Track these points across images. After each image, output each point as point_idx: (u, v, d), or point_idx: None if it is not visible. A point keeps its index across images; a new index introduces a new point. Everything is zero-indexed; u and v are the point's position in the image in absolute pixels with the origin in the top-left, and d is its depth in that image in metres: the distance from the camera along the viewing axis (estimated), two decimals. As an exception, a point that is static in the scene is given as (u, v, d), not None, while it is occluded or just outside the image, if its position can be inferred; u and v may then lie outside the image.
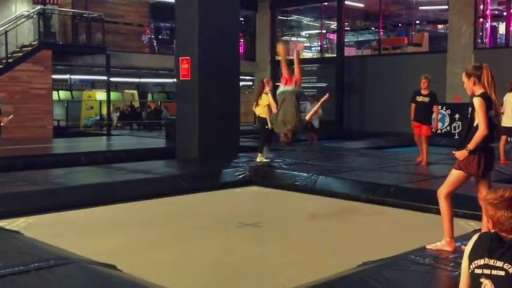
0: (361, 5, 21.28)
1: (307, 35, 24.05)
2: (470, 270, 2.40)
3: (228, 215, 6.80)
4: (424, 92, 9.61)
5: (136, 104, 23.37)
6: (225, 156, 10.11)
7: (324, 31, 21.67)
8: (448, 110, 15.96)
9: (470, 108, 4.48)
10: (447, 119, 16.00)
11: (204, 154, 10.50)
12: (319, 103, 7.15)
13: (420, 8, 20.46)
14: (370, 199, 7.32)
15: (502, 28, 17.61)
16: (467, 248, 2.46)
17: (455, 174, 4.43)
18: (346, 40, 20.24)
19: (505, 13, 17.13)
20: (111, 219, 6.49)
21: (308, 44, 23.82)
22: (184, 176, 8.45)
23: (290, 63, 7.09)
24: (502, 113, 9.43)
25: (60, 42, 16.97)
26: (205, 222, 6.38)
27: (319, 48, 22.28)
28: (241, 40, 20.45)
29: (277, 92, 7.07)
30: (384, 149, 13.98)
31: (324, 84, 19.93)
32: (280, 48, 7.03)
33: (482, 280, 2.33)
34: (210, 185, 8.32)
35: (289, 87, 6.91)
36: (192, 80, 10.72)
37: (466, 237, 4.56)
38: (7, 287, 3.44)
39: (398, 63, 18.02)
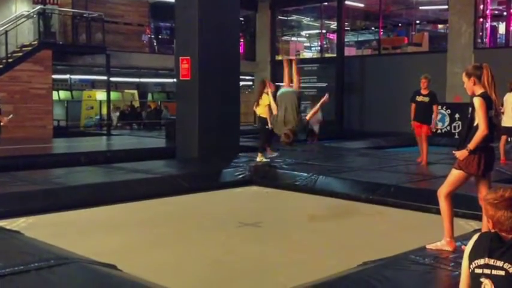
0: (361, 5, 21.28)
1: (307, 35, 24.04)
2: (470, 270, 2.40)
3: (228, 214, 6.80)
4: (424, 91, 9.62)
5: (137, 104, 23.37)
6: (225, 156, 10.11)
7: (324, 31, 21.66)
8: (448, 110, 15.96)
9: (470, 108, 4.48)
10: (447, 119, 16.00)
11: (204, 154, 10.50)
12: (319, 103, 7.17)
13: (420, 7, 20.45)
14: (370, 199, 7.32)
15: (502, 28, 17.61)
16: (468, 248, 2.46)
17: (455, 174, 4.43)
18: (346, 40, 20.24)
19: (505, 13, 17.13)
20: (111, 219, 6.49)
21: (308, 44, 23.82)
22: (184, 175, 8.45)
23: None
24: (502, 113, 9.43)
25: (60, 42, 16.97)
26: (205, 222, 6.38)
27: (319, 48, 22.28)
28: (241, 40, 20.46)
29: (278, 93, 7.09)
30: (384, 149, 13.99)
31: (324, 84, 19.93)
32: (285, 62, 7.55)
33: (482, 280, 2.34)
34: (210, 185, 8.32)
35: (290, 89, 6.94)
36: (192, 79, 10.72)
37: (466, 237, 4.56)
38: (7, 286, 3.45)
39: (399, 63, 18.02)
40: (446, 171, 5.18)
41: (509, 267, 2.28)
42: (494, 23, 17.69)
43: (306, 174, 8.31)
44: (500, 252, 2.33)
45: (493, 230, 2.43)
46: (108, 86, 18.27)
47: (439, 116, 15.11)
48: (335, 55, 19.81)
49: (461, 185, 4.47)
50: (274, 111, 7.74)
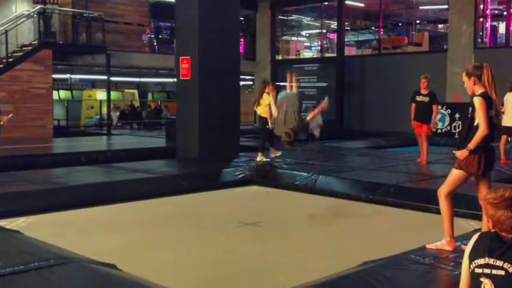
0: (362, 5, 21.28)
1: (307, 35, 24.04)
2: (470, 270, 2.40)
3: (228, 214, 6.80)
4: (423, 91, 9.64)
5: (137, 104, 23.37)
6: (225, 156, 10.11)
7: (324, 31, 21.66)
8: (448, 110, 15.96)
9: (470, 108, 4.48)
10: (447, 119, 16.00)
11: (204, 154, 10.50)
12: (319, 106, 7.21)
13: (420, 7, 20.44)
14: (370, 199, 7.31)
15: (502, 28, 17.60)
16: (468, 248, 2.46)
17: (455, 174, 4.43)
18: (346, 40, 20.24)
19: (505, 13, 17.13)
20: (111, 219, 6.49)
21: (308, 44, 23.82)
22: (185, 175, 8.45)
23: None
24: (503, 113, 9.43)
25: (61, 42, 16.96)
26: (205, 221, 6.38)
27: (319, 47, 22.28)
28: (242, 40, 20.45)
29: (279, 96, 7.14)
30: (384, 148, 13.99)
31: (324, 84, 19.93)
32: (288, 76, 8.13)
33: (482, 279, 2.34)
34: (210, 185, 8.31)
35: (290, 91, 7.02)
36: (192, 79, 10.72)
37: (466, 237, 4.57)
38: (7, 286, 3.44)
39: (399, 63, 18.02)
40: (446, 171, 5.18)
41: (509, 267, 2.28)
42: (495, 23, 17.69)
43: (306, 174, 8.31)
44: (500, 251, 2.33)
45: (493, 230, 2.43)
46: (108, 86, 18.27)
47: (439, 116, 15.13)
48: (335, 55, 19.81)
49: (461, 184, 4.47)
50: (275, 114, 7.82)
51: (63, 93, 22.57)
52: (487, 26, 17.21)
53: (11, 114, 10.49)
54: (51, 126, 16.56)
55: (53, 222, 6.13)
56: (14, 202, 6.44)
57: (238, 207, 7.31)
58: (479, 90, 4.40)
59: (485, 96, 4.34)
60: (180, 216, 6.79)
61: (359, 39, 21.93)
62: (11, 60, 15.18)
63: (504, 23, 17.21)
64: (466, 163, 4.36)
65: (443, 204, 4.46)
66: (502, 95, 9.22)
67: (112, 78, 19.33)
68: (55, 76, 18.38)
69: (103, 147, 13.49)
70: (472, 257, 2.41)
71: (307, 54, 23.10)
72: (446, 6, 17.57)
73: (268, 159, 9.64)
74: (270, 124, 9.62)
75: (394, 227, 6.21)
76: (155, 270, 4.44)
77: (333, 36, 21.04)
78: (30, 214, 6.29)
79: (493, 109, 4.39)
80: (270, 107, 9.60)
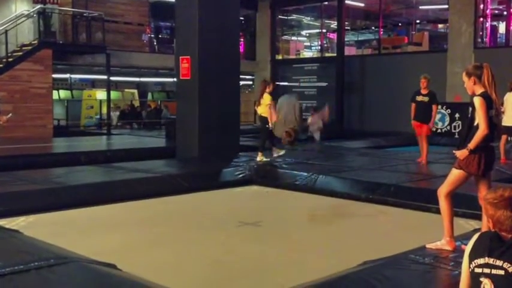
0: (362, 5, 21.28)
1: (307, 35, 24.04)
2: (470, 270, 2.41)
3: (228, 214, 6.80)
4: (423, 91, 9.66)
5: (137, 103, 23.37)
6: (225, 156, 10.11)
7: (324, 30, 21.65)
8: (448, 110, 15.95)
9: (470, 108, 4.48)
10: (447, 119, 16.00)
11: (204, 153, 10.50)
12: (320, 113, 7.21)
13: (420, 7, 20.44)
14: (370, 198, 7.31)
15: (502, 27, 17.60)
16: (468, 248, 2.46)
17: (455, 174, 4.43)
18: (346, 39, 20.23)
19: (505, 12, 17.13)
20: (111, 219, 6.49)
21: (308, 44, 23.82)
22: (184, 175, 8.45)
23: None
24: (503, 113, 9.43)
25: (60, 42, 16.96)
26: (205, 221, 6.38)
27: (319, 47, 22.28)
28: (242, 39, 20.44)
29: (279, 100, 7.17)
30: (384, 148, 13.99)
31: (324, 84, 19.94)
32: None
33: (482, 279, 2.34)
34: (210, 185, 8.31)
35: (289, 94, 7.06)
36: (192, 79, 10.72)
37: (466, 237, 4.57)
38: (7, 286, 3.44)
39: (399, 63, 18.02)
40: (446, 170, 5.18)
41: (509, 267, 2.28)
42: (495, 23, 17.69)
43: (306, 174, 8.31)
44: (500, 251, 2.33)
45: (493, 230, 2.43)
46: (108, 86, 18.27)
47: (439, 116, 15.13)
48: (335, 54, 19.79)
49: (461, 184, 4.47)
50: (274, 118, 7.86)
51: (63, 93, 22.57)
52: (487, 25, 17.21)
53: (10, 114, 10.48)
54: (51, 126, 16.56)
55: (52, 222, 6.13)
56: (14, 201, 6.44)
57: (238, 207, 7.31)
58: (479, 90, 4.40)
59: (485, 96, 4.34)
60: (180, 215, 6.79)
61: (359, 39, 21.93)
62: (10, 60, 15.17)
63: (504, 22, 17.21)
64: (466, 163, 4.36)
65: (443, 204, 4.46)
66: (502, 95, 9.22)
67: (112, 78, 19.33)
68: (55, 76, 18.38)
69: (103, 147, 13.50)
70: (472, 256, 2.41)
71: (307, 54, 23.10)
72: (446, 6, 17.57)
73: (268, 159, 9.63)
74: (270, 124, 9.62)
75: (394, 227, 6.21)
76: (155, 270, 4.44)
77: (333, 36, 21.03)
78: (30, 214, 6.29)
79: (493, 109, 4.39)
80: (270, 107, 9.60)
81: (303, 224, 6.34)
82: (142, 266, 4.48)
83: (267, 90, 9.70)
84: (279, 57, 22.12)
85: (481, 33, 17.02)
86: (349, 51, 20.41)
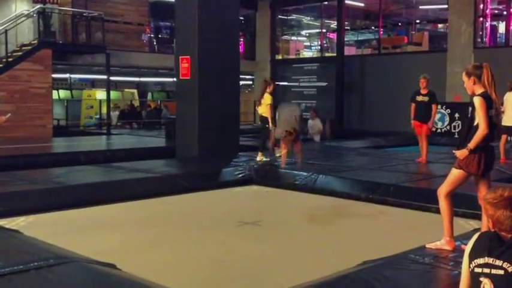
0: (361, 4, 21.27)
1: (307, 34, 24.03)
2: (470, 269, 2.41)
3: (227, 214, 6.80)
4: (423, 91, 9.68)
5: (136, 103, 23.36)
6: (224, 156, 10.11)
7: (324, 30, 21.65)
8: (448, 109, 15.96)
9: (470, 108, 4.48)
10: (447, 118, 16.00)
11: (204, 153, 10.50)
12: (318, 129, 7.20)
13: (420, 7, 20.44)
14: (370, 198, 7.32)
15: (501, 27, 17.60)
16: (468, 247, 2.47)
17: (455, 174, 4.43)
18: (346, 39, 20.23)
19: (504, 12, 17.13)
20: (111, 218, 6.49)
21: (308, 43, 23.82)
22: (184, 175, 8.45)
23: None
24: (503, 112, 9.44)
25: (60, 41, 16.96)
26: (204, 221, 6.38)
27: (319, 47, 22.28)
28: (241, 39, 20.44)
29: (278, 107, 7.21)
30: (384, 148, 13.99)
31: (324, 84, 19.94)
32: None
33: (481, 279, 2.34)
34: (209, 184, 8.31)
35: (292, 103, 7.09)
36: (192, 79, 10.71)
37: (465, 237, 4.57)
38: (6, 286, 3.44)
39: (398, 63, 18.02)
40: (446, 170, 5.18)
41: (509, 267, 2.28)
42: (494, 23, 17.68)
43: (305, 174, 8.31)
44: (499, 251, 2.33)
45: (492, 230, 2.43)
46: (108, 85, 18.27)
47: (439, 116, 15.13)
48: (335, 54, 19.80)
49: (461, 184, 4.47)
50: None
51: (63, 93, 22.56)
52: (486, 25, 17.20)
53: (9, 114, 10.46)
54: (51, 125, 16.56)
55: (52, 222, 6.13)
56: (14, 201, 6.44)
57: (238, 207, 7.31)
58: (479, 89, 4.40)
59: (485, 95, 4.34)
60: (179, 215, 6.79)
61: (359, 38, 21.92)
62: (10, 59, 15.17)
63: (504, 22, 17.21)
64: (466, 163, 4.36)
65: (443, 204, 4.46)
66: (502, 95, 9.22)
67: (112, 78, 19.33)
68: (55, 76, 18.37)
69: (103, 147, 13.49)
70: (472, 256, 2.41)
71: (307, 53, 23.09)
72: (446, 6, 17.56)
73: (268, 159, 9.63)
74: (270, 124, 9.62)
75: (394, 227, 6.21)
76: (155, 269, 4.43)
77: (333, 36, 21.03)
78: (29, 213, 6.29)
79: (493, 109, 4.39)
80: (270, 106, 9.61)
81: (303, 224, 6.33)
82: (142, 265, 4.48)
83: (268, 90, 9.69)
84: (279, 57, 22.12)
85: (480, 33, 17.02)
86: (349, 51, 20.41)
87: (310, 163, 9.50)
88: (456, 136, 15.11)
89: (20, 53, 15.40)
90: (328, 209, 7.11)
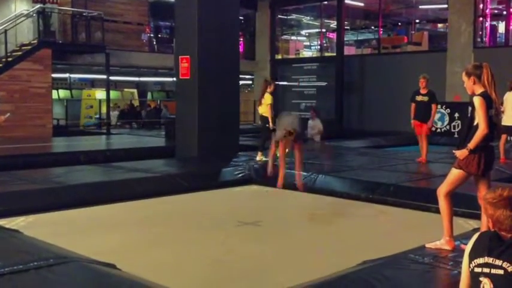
0: (361, 4, 21.28)
1: (307, 34, 24.04)
2: (470, 269, 2.41)
3: (227, 214, 6.79)
4: (423, 91, 9.69)
5: (136, 103, 23.36)
6: (224, 155, 10.11)
7: (323, 30, 21.66)
8: (448, 109, 15.96)
9: (470, 108, 4.48)
10: (447, 118, 16.00)
11: (204, 153, 10.50)
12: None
13: (420, 7, 20.45)
14: (370, 198, 7.31)
15: (501, 27, 17.61)
16: (468, 247, 2.47)
17: (455, 174, 4.43)
18: (345, 39, 20.24)
19: (504, 12, 17.13)
20: (111, 218, 6.48)
21: (308, 43, 23.83)
22: (184, 175, 8.45)
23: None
24: (502, 112, 9.44)
25: (60, 41, 16.96)
26: (204, 221, 6.37)
27: (318, 47, 22.28)
28: (241, 39, 20.44)
29: (278, 117, 7.22)
30: (384, 148, 13.99)
31: (324, 83, 19.94)
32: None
33: (481, 279, 2.34)
34: (209, 184, 8.31)
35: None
36: (192, 78, 10.71)
37: (465, 236, 4.57)
38: (6, 285, 3.44)
39: (398, 62, 18.02)
40: (445, 170, 5.18)
41: (508, 266, 2.28)
42: (494, 22, 17.69)
43: (305, 173, 8.30)
44: (499, 251, 2.33)
45: (492, 229, 2.43)
46: (108, 85, 18.28)
47: (439, 115, 15.13)
48: (335, 54, 19.81)
49: (460, 184, 4.47)
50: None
51: (63, 93, 22.56)
52: (486, 25, 17.21)
53: (9, 114, 10.47)
54: (51, 125, 16.56)
55: (52, 222, 6.13)
56: (14, 201, 6.44)
57: (238, 207, 7.31)
58: (479, 89, 4.40)
59: (485, 95, 4.34)
60: (179, 215, 6.78)
61: (358, 38, 21.93)
62: (10, 59, 15.17)
63: (503, 22, 17.21)
64: (466, 163, 4.36)
65: (443, 204, 4.46)
66: (502, 94, 9.22)
67: (111, 78, 19.34)
68: (54, 75, 18.37)
69: (102, 147, 13.49)
70: (472, 256, 2.42)
71: (306, 53, 23.10)
72: (445, 6, 17.57)
73: (268, 159, 9.61)
74: (270, 123, 9.62)
75: (394, 227, 6.21)
76: (154, 269, 4.43)
77: (333, 36, 21.04)
78: (29, 213, 6.29)
79: (492, 108, 4.39)
80: (270, 106, 9.61)
81: (303, 224, 6.33)
82: (142, 265, 4.48)
83: (268, 90, 9.69)
84: (279, 56, 22.13)
85: (480, 32, 17.03)
86: (349, 50, 20.42)
87: (310, 163, 9.50)
88: (456, 136, 15.12)
89: (20, 53, 15.40)
90: (328, 209, 7.11)
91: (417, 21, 20.44)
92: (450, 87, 16.16)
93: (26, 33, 16.09)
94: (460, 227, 5.29)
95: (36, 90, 15.84)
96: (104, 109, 19.07)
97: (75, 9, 17.40)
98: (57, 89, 21.49)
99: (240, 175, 8.88)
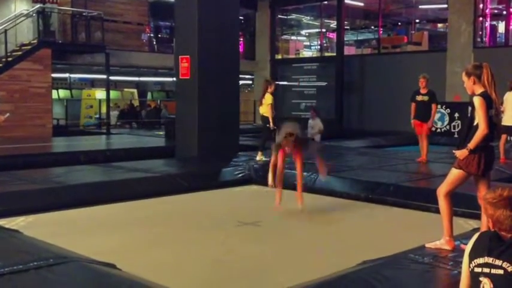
0: (361, 4, 21.29)
1: (307, 34, 24.04)
2: (470, 269, 2.41)
3: (227, 214, 6.79)
4: (423, 91, 9.70)
5: (136, 103, 23.37)
6: (224, 155, 10.11)
7: (323, 30, 21.66)
8: (448, 109, 15.96)
9: (470, 108, 4.47)
10: (447, 118, 16.00)
11: (204, 153, 10.50)
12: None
13: (420, 6, 20.45)
14: (370, 198, 7.31)
15: (501, 27, 17.61)
16: (468, 247, 2.47)
17: (455, 173, 4.43)
18: (345, 39, 20.24)
19: (504, 12, 17.13)
20: (111, 218, 6.48)
21: (308, 43, 23.83)
22: (184, 175, 8.45)
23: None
24: (502, 112, 9.44)
25: (60, 41, 16.96)
26: (204, 221, 6.37)
27: (318, 47, 22.29)
28: (241, 39, 20.44)
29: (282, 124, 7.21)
30: (384, 147, 13.99)
31: (324, 83, 19.94)
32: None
33: (481, 279, 2.34)
34: (209, 184, 8.31)
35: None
36: (192, 78, 10.71)
37: (465, 236, 4.58)
38: (6, 285, 3.44)
39: (398, 62, 18.03)
40: (445, 170, 5.18)
41: (508, 266, 2.28)
42: (494, 22, 17.70)
43: (305, 173, 8.29)
44: (499, 251, 2.33)
45: (492, 229, 2.43)
46: (108, 85, 18.28)
47: (439, 115, 15.14)
48: (335, 54, 19.81)
49: (460, 184, 4.47)
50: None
51: (63, 93, 22.57)
52: (486, 25, 17.21)
53: (8, 114, 10.47)
54: (51, 125, 16.57)
55: (52, 222, 6.13)
56: (14, 201, 6.44)
57: (238, 207, 7.31)
58: (479, 89, 4.40)
59: (485, 95, 4.34)
60: (179, 215, 6.78)
61: (358, 38, 21.94)
62: (10, 59, 15.17)
63: (503, 22, 17.22)
64: (466, 163, 4.36)
65: (443, 204, 4.46)
66: (502, 94, 9.22)
67: (111, 78, 19.34)
68: (54, 75, 18.38)
69: (102, 147, 13.49)
70: (472, 256, 2.42)
71: (306, 53, 23.10)
72: (445, 6, 17.57)
73: (268, 159, 9.61)
74: (271, 123, 9.62)
75: (394, 227, 6.21)
76: (154, 269, 4.43)
77: (333, 36, 21.04)
78: (29, 213, 6.29)
79: (492, 108, 4.39)
80: (271, 106, 9.61)
81: (302, 224, 6.33)
82: (142, 265, 4.47)
83: (269, 90, 9.69)
84: (279, 56, 22.13)
85: (480, 32, 17.03)
86: (349, 50, 20.43)
87: (309, 163, 9.48)
88: (456, 136, 15.12)
89: (20, 53, 15.39)
90: (328, 209, 7.11)
91: (417, 21, 20.45)
92: (450, 87, 16.17)
93: (25, 33, 16.08)
94: (460, 227, 5.29)
95: (36, 90, 15.84)
96: (103, 109, 19.07)
97: (75, 9, 17.40)
98: (57, 88, 21.49)
99: (240, 175, 8.88)
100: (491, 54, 14.97)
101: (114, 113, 20.48)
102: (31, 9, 16.14)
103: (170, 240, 5.56)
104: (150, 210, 6.95)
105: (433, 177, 8.10)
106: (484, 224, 4.14)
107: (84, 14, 17.18)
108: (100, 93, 21.17)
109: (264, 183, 8.63)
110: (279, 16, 22.35)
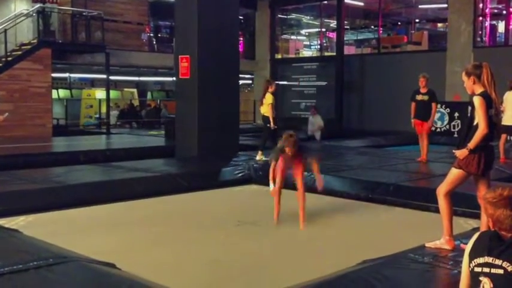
0: (361, 4, 21.29)
1: (306, 34, 24.04)
2: (470, 269, 2.41)
3: (227, 213, 6.79)
4: (423, 90, 9.71)
5: (136, 103, 23.36)
6: (224, 155, 10.11)
7: (323, 29, 21.66)
8: (448, 109, 15.96)
9: (470, 107, 4.47)
10: (446, 118, 16.00)
11: (204, 153, 10.50)
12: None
13: (420, 6, 20.46)
14: (370, 198, 7.32)
15: (501, 27, 17.62)
16: (468, 247, 2.47)
17: (454, 173, 4.43)
18: (345, 38, 20.24)
19: (504, 12, 17.13)
20: (111, 218, 6.48)
21: (308, 43, 23.83)
22: (184, 174, 8.45)
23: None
24: (502, 112, 9.44)
25: (60, 41, 16.95)
26: (204, 220, 6.37)
27: (318, 46, 22.29)
28: (241, 38, 20.43)
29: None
30: (384, 147, 13.99)
31: (324, 83, 19.94)
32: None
33: (481, 278, 2.34)
34: (209, 184, 8.31)
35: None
36: (192, 78, 10.71)
37: (465, 236, 4.58)
38: (6, 285, 3.44)
39: (398, 62, 18.02)
40: (445, 169, 5.18)
41: (508, 266, 2.28)
42: (494, 22, 17.70)
43: (305, 173, 8.28)
44: (499, 250, 2.33)
45: (492, 229, 2.43)
46: (108, 85, 18.27)
47: (438, 115, 15.13)
48: (334, 54, 19.81)
49: (460, 183, 4.47)
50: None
51: (63, 92, 22.56)
52: (486, 25, 17.21)
53: (7, 113, 10.47)
54: (51, 125, 16.56)
55: (52, 221, 6.13)
56: (13, 201, 6.44)
57: (238, 206, 7.31)
58: (478, 89, 4.40)
59: (484, 95, 4.34)
60: (179, 215, 6.78)
61: (358, 38, 21.95)
62: (10, 59, 15.16)
63: (503, 22, 17.22)
64: (466, 162, 4.36)
65: (443, 203, 4.46)
66: (502, 94, 9.22)
67: (111, 77, 19.33)
68: (54, 75, 18.37)
69: (102, 146, 13.49)
70: (472, 255, 2.42)
71: (306, 53, 23.10)
72: (445, 5, 17.57)
73: (268, 159, 9.61)
74: (272, 123, 9.62)
75: (394, 226, 6.21)
76: (154, 269, 4.43)
77: (333, 35, 21.04)
78: (29, 213, 6.29)
79: (492, 108, 4.39)
80: (272, 106, 9.61)
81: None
82: (142, 265, 4.47)
83: (270, 89, 9.70)
84: (279, 56, 22.13)
85: (480, 32, 17.03)
86: (349, 50, 20.43)
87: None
88: (456, 135, 15.12)
89: (20, 52, 15.38)
90: (328, 209, 7.11)
91: (417, 20, 20.45)
92: (450, 87, 16.16)
93: (25, 32, 16.07)
94: (460, 227, 5.30)
95: (36, 89, 15.84)
96: (103, 109, 19.06)
97: (75, 9, 17.39)
98: (57, 88, 21.48)
99: (240, 175, 8.88)
100: (491, 54, 14.97)
101: (114, 113, 20.48)
102: (31, 9, 16.13)
103: (170, 240, 5.56)
104: (150, 209, 6.95)
105: (433, 176, 8.10)
106: (484, 223, 4.14)
107: (84, 13, 17.17)
108: (100, 93, 21.17)
109: (264, 182, 8.65)
110: (279, 16, 22.34)
